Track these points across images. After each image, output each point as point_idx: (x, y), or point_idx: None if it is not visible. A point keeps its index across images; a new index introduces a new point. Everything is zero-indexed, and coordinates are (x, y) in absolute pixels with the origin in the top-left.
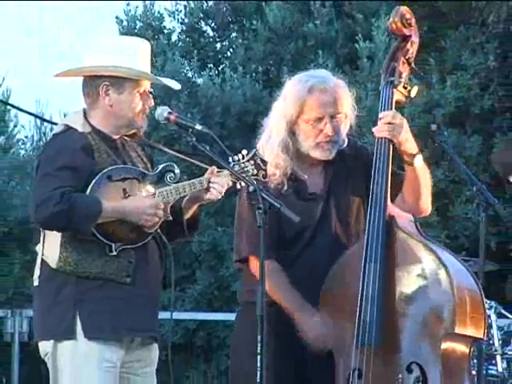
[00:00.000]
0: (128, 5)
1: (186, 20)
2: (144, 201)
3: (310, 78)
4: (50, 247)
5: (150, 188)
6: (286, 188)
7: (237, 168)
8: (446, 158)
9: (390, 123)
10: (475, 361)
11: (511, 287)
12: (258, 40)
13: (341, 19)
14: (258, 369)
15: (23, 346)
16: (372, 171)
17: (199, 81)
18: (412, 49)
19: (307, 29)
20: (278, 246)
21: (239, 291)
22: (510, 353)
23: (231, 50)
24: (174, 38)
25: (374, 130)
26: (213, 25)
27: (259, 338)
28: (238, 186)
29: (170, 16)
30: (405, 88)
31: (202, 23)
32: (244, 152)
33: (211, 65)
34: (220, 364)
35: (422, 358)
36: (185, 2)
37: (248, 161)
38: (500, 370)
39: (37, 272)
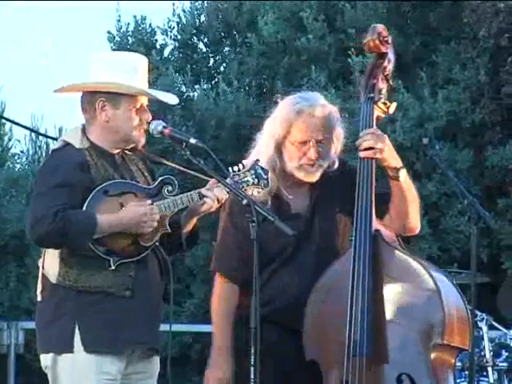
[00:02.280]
0: (119, 21)
1: (179, 36)
2: (137, 208)
3: (301, 101)
4: (50, 262)
5: (148, 201)
6: (268, 206)
7: (236, 179)
8: (437, 171)
9: (371, 147)
10: (466, 372)
11: (502, 299)
12: (251, 54)
13: (333, 34)
14: (252, 380)
15: (19, 358)
16: (356, 190)
17: (193, 95)
18: (389, 66)
19: (300, 43)
20: (246, 267)
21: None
22: (501, 364)
23: (225, 64)
24: (167, 52)
25: (359, 153)
26: (205, 40)
27: (253, 349)
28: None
29: (162, 34)
30: (384, 104)
31: (195, 39)
32: (244, 162)
33: (205, 79)
34: None
35: (412, 370)
36: (177, 19)
37: (248, 171)
38: (491, 381)
39: (39, 287)
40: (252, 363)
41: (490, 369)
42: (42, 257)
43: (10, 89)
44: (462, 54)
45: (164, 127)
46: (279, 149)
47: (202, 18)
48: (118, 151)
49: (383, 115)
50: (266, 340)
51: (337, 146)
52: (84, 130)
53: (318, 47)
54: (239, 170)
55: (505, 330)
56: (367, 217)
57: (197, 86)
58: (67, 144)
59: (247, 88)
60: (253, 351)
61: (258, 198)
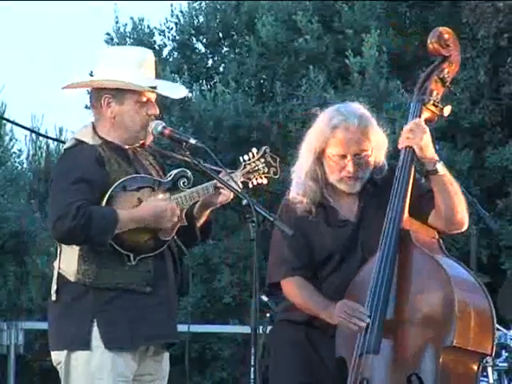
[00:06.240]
0: (117, 22)
1: (178, 37)
2: (159, 204)
3: (336, 116)
4: (68, 261)
5: (165, 195)
6: (314, 215)
7: (248, 168)
8: None
9: (411, 131)
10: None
11: (502, 299)
12: (250, 55)
13: (330, 34)
14: (252, 381)
15: (19, 359)
16: (394, 181)
17: (191, 95)
18: (448, 68)
19: (298, 44)
20: (308, 268)
21: (277, 309)
22: (501, 364)
23: (223, 65)
24: (165, 53)
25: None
26: (204, 41)
27: (252, 350)
28: (250, 185)
29: (160, 35)
30: (435, 106)
31: (194, 39)
32: (254, 150)
33: (203, 80)
34: (214, 376)
35: (422, 370)
36: (175, 20)
37: (258, 159)
38: (491, 381)
39: (53, 286)
40: (252, 363)
41: (489, 369)
42: (57, 258)
43: (11, 89)
44: (462, 54)
45: (164, 127)
46: (320, 160)
47: (201, 19)
48: (129, 146)
49: (435, 117)
50: (310, 342)
51: (378, 155)
52: (94, 128)
53: (315, 48)
54: (249, 159)
55: (505, 330)
56: (397, 217)
57: (195, 87)
58: (80, 142)
59: (246, 89)
60: (253, 351)
61: (301, 207)
